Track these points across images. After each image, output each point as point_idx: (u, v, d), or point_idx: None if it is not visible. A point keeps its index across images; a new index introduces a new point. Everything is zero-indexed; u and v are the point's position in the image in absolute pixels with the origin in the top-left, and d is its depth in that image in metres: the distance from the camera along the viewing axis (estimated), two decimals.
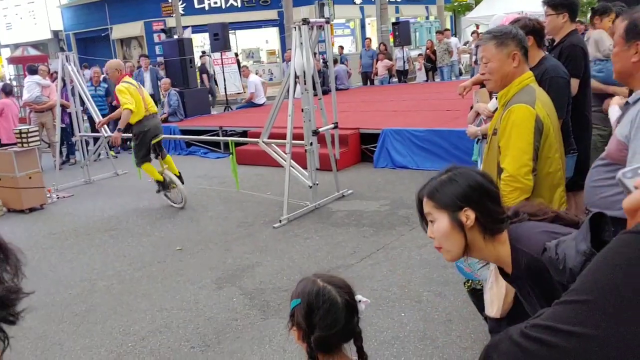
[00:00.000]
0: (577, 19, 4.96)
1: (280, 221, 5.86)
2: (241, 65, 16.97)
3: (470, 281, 2.86)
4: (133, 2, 23.44)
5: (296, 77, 6.22)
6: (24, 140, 7.45)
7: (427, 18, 29.18)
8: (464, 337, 3.40)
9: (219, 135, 10.07)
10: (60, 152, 9.76)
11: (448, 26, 27.44)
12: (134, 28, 24.03)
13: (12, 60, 17.34)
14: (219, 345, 3.59)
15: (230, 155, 7.02)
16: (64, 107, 9.31)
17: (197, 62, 17.20)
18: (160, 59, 16.10)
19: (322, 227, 5.71)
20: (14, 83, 15.12)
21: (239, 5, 23.41)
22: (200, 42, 22.04)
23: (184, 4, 22.57)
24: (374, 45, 19.36)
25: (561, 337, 0.75)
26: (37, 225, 6.76)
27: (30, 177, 7.32)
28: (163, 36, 17.28)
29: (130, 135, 6.92)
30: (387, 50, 17.38)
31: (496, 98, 2.93)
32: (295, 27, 6.19)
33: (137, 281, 4.74)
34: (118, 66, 6.81)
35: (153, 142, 6.67)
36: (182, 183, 6.87)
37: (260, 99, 13.31)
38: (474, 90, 4.15)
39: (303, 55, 6.10)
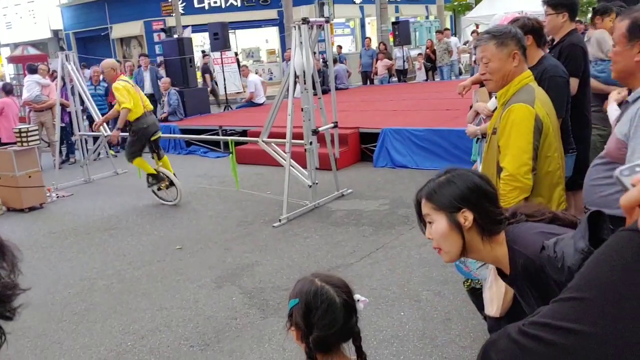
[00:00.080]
0: (577, 19, 4.96)
1: (279, 220, 5.86)
2: (241, 64, 16.96)
3: (469, 280, 2.86)
4: (133, 1, 23.43)
5: (296, 76, 6.22)
6: (24, 139, 7.45)
7: (427, 17, 29.18)
8: (463, 336, 3.41)
9: (218, 135, 10.07)
10: (60, 151, 9.76)
11: (448, 26, 27.42)
12: (134, 27, 24.02)
13: (11, 60, 17.36)
14: (218, 344, 3.59)
15: (230, 155, 7.02)
16: (63, 106, 9.30)
17: (200, 62, 17.23)
18: (160, 59, 16.10)
19: (321, 226, 5.71)
20: (14, 82, 15.11)
21: (239, 5, 23.40)
22: (200, 42, 22.05)
23: (184, 4, 22.57)
24: (374, 44, 19.36)
25: (559, 335, 0.75)
26: (36, 224, 6.76)
27: (30, 176, 7.32)
28: (163, 35, 17.29)
29: (128, 133, 6.95)
30: (386, 49, 17.38)
31: (495, 97, 2.94)
32: (295, 27, 6.19)
33: (137, 280, 4.75)
34: (113, 65, 6.91)
35: (153, 138, 6.70)
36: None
37: (260, 99, 13.31)
38: (473, 89, 4.15)
39: (303, 54, 6.09)
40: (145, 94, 12.14)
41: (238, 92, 16.32)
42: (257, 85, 13.34)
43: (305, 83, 6.23)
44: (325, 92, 7.79)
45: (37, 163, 7.54)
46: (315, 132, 6.28)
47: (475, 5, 22.02)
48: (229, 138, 7.77)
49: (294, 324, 1.55)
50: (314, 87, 6.33)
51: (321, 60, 15.10)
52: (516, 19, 3.39)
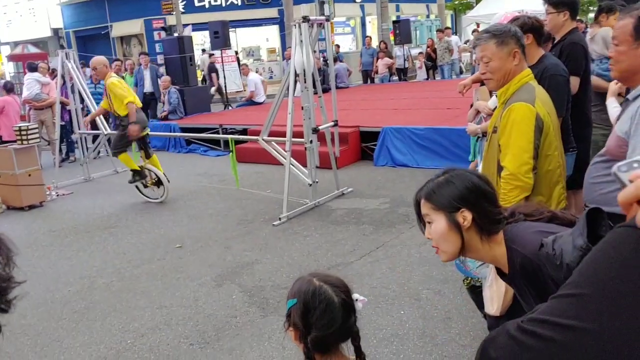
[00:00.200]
0: (577, 18, 4.96)
1: (280, 219, 5.86)
2: (241, 63, 16.94)
3: (469, 279, 2.86)
4: None
5: (296, 75, 6.22)
6: (24, 137, 7.45)
7: (427, 16, 29.16)
8: (463, 334, 3.41)
9: (219, 133, 10.07)
10: (60, 150, 9.76)
11: (449, 24, 27.40)
12: (134, 26, 23.99)
13: (12, 58, 17.37)
14: (218, 342, 3.59)
15: (230, 153, 7.03)
16: (63, 105, 9.29)
17: (204, 60, 17.17)
18: (160, 57, 16.08)
19: (321, 224, 5.71)
20: (14, 80, 15.11)
21: (239, 3, 23.39)
22: (201, 40, 22.03)
23: (184, 2, 22.54)
24: (375, 43, 19.35)
25: (557, 331, 0.75)
26: (36, 222, 6.76)
27: (29, 175, 7.32)
28: (163, 34, 17.28)
29: (116, 131, 7.01)
30: (387, 48, 17.37)
31: (496, 96, 2.94)
32: (295, 25, 6.19)
33: (137, 278, 4.75)
34: (105, 62, 7.05)
35: (141, 134, 6.76)
36: (168, 182, 6.95)
37: (260, 97, 13.31)
38: (474, 88, 4.15)
39: (303, 53, 6.09)
40: (146, 93, 12.27)
41: (238, 91, 16.30)
42: (257, 84, 13.35)
43: (305, 82, 6.23)
44: (325, 90, 7.78)
45: (37, 161, 7.54)
46: (315, 130, 6.28)
47: (476, 4, 22.01)
48: (229, 137, 7.76)
49: (292, 324, 1.54)
50: (314, 86, 6.33)
51: (321, 58, 15.08)
52: (516, 17, 3.39)
